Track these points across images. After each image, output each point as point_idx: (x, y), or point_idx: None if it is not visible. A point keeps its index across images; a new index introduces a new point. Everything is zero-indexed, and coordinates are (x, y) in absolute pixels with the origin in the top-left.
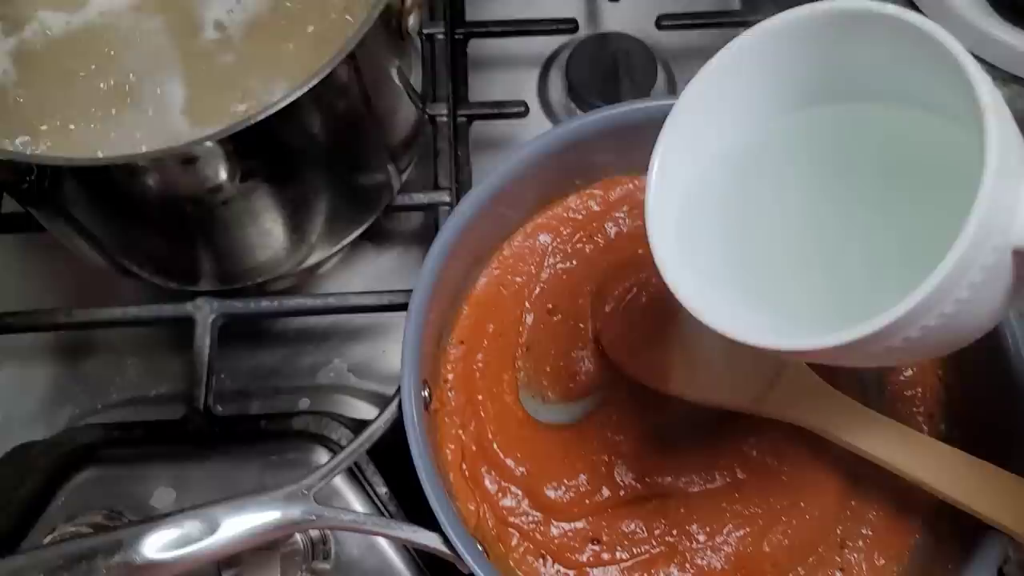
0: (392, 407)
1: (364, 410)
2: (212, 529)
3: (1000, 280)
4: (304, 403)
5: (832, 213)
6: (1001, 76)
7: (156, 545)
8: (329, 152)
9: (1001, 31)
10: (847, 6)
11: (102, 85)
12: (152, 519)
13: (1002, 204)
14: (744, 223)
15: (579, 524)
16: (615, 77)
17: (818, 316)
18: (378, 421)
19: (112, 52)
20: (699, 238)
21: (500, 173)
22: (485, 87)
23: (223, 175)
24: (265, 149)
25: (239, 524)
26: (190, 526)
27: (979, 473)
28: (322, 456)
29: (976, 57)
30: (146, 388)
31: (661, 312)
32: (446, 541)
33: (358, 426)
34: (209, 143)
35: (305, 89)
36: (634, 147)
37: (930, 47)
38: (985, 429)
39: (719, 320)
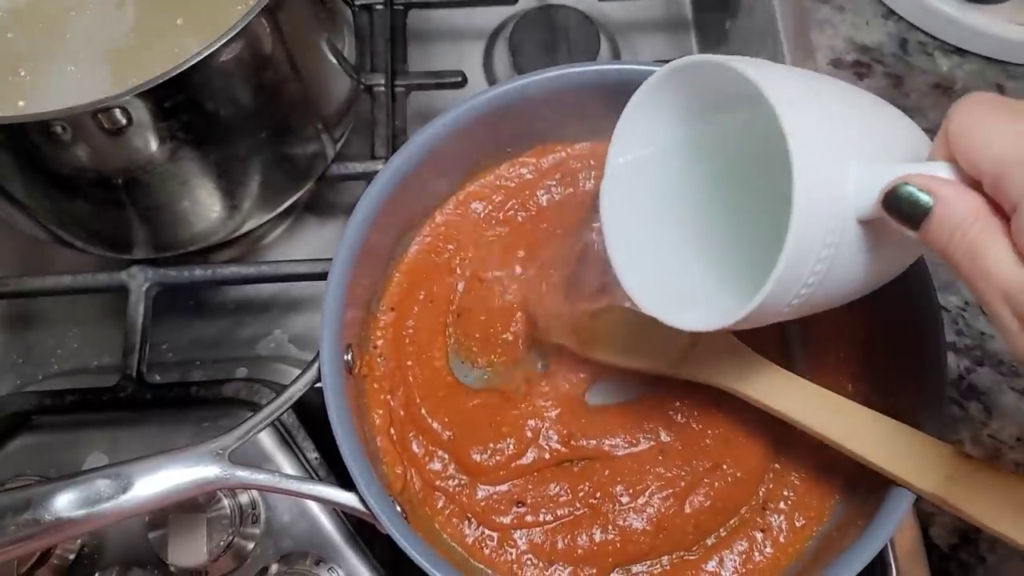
0: (312, 369)
1: None
2: (124, 488)
3: (854, 246)
4: (241, 372)
5: (730, 200)
6: (961, 53)
7: (66, 503)
8: (257, 116)
9: (960, 12)
10: (696, 60)
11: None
12: (62, 477)
13: (825, 187)
14: (662, 211)
15: (504, 487)
16: (559, 49)
17: (720, 292)
18: (298, 383)
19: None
20: (634, 228)
21: (427, 136)
22: (430, 60)
23: (148, 137)
24: (189, 109)
25: (153, 483)
26: (101, 484)
27: (886, 431)
28: None
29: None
30: (87, 359)
31: (585, 279)
32: (363, 501)
33: None
34: (128, 98)
35: (219, 44)
36: (568, 113)
37: (739, 75)
38: (903, 387)
39: (648, 300)
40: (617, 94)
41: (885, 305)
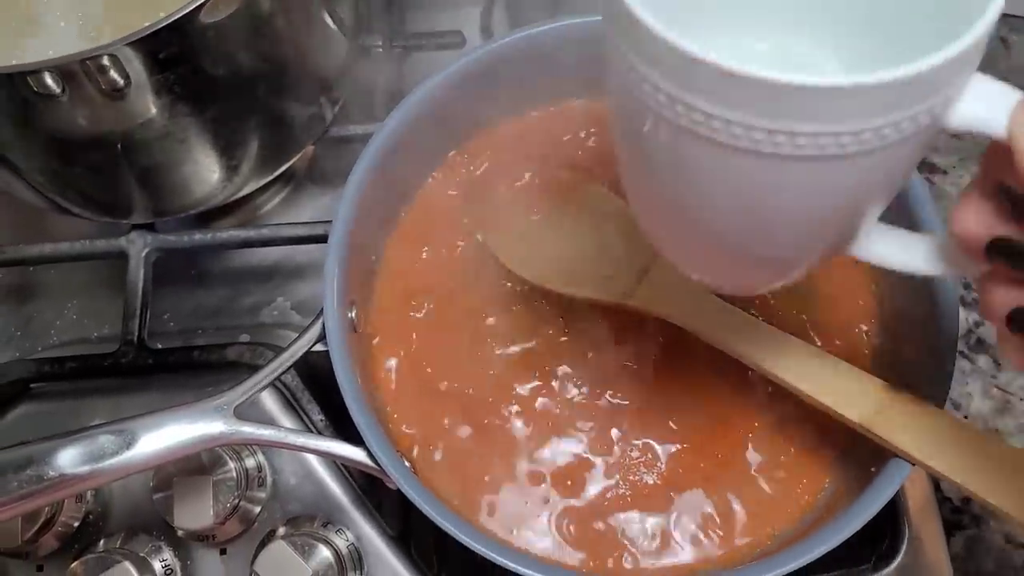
0: (316, 326)
1: None
2: (128, 444)
3: (915, 142)
4: (244, 338)
5: None
6: None
7: (69, 459)
8: (254, 76)
9: None
10: None
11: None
12: (65, 433)
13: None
14: None
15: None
16: (560, 9)
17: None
18: (302, 339)
19: None
20: None
21: (428, 89)
22: (428, 24)
23: (144, 95)
24: (183, 65)
25: (157, 439)
26: (105, 440)
27: (821, 363)
28: None
29: None
30: (87, 330)
31: (540, 207)
32: (371, 456)
33: None
34: (119, 47)
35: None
36: (569, 70)
37: None
38: (914, 345)
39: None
40: None
41: None
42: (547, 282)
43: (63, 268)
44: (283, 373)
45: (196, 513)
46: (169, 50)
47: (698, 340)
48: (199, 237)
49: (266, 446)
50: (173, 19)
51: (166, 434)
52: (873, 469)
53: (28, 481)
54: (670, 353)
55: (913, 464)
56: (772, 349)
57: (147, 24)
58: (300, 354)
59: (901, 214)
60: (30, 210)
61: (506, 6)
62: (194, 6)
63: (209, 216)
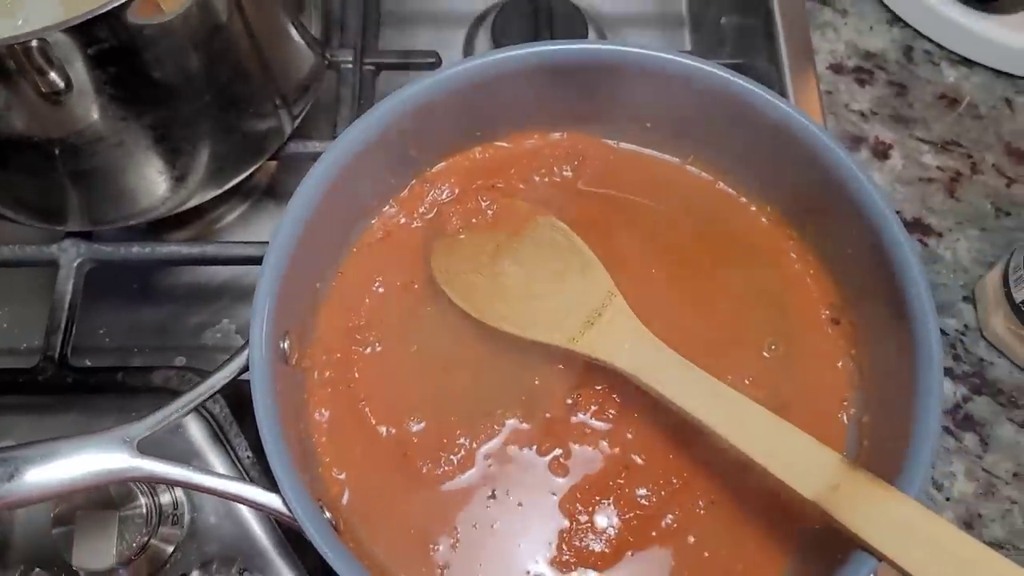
0: (242, 356)
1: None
2: (11, 475)
3: None
4: (180, 361)
5: None
6: (968, 64)
7: None
8: (204, 80)
9: (969, 20)
10: None
11: None
12: None
13: None
14: None
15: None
16: (543, 38)
17: None
18: (224, 370)
19: None
20: None
21: (386, 109)
22: (405, 43)
23: (79, 93)
24: (122, 62)
25: (45, 471)
26: None
27: (776, 429)
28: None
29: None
30: (16, 340)
31: (494, 240)
32: (286, 504)
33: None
34: (53, 35)
35: None
36: (545, 97)
37: None
38: (893, 409)
39: None
40: (603, 77)
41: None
42: (495, 321)
43: None
44: (199, 404)
45: (97, 551)
46: (101, 45)
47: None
48: (136, 250)
49: (172, 485)
50: (100, 12)
51: (57, 467)
52: (840, 557)
53: None
54: (631, 411)
55: (871, 554)
56: (726, 410)
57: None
58: (219, 386)
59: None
60: None
61: (490, 32)
62: (119, 2)
63: (161, 228)
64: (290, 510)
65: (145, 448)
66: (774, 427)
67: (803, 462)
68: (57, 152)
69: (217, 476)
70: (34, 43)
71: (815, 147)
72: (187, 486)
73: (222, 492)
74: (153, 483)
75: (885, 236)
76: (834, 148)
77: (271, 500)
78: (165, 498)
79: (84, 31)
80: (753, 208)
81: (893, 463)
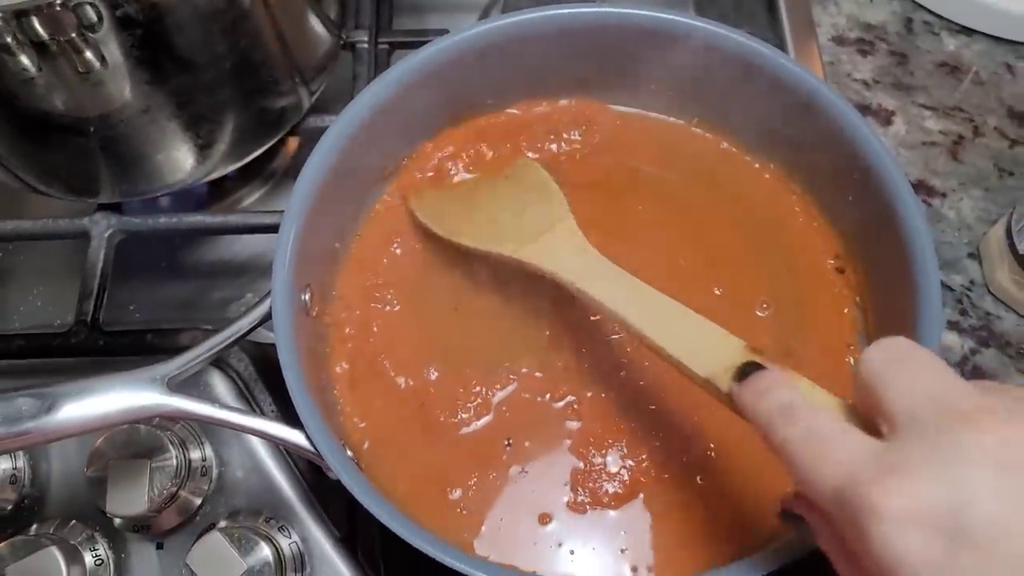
0: (265, 303)
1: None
2: (48, 408)
3: None
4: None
5: None
6: (968, 32)
7: None
8: (227, 55)
9: None
10: None
11: None
12: None
13: None
14: None
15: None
16: None
17: None
18: (249, 315)
19: None
20: None
21: (403, 70)
22: (418, 25)
23: (106, 57)
24: (146, 28)
25: (81, 407)
26: (23, 403)
27: (702, 332)
28: (212, 372)
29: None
30: (50, 317)
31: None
32: (309, 440)
33: (251, 345)
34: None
35: None
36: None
37: None
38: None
39: None
40: (610, 41)
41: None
42: (455, 237)
43: (32, 254)
44: (226, 348)
45: (129, 499)
46: (131, 7)
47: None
48: (164, 220)
49: (198, 420)
50: None
51: (92, 402)
52: None
53: None
54: (642, 359)
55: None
56: (639, 304)
57: None
58: (245, 330)
59: (890, 227)
60: (3, 191)
61: (503, 10)
62: None
63: (185, 210)
64: (313, 444)
65: (177, 390)
66: (684, 319)
67: (706, 348)
68: (87, 121)
69: (242, 413)
70: (59, 3)
71: (817, 100)
72: (213, 422)
73: (247, 427)
74: (181, 419)
75: (885, 181)
76: (835, 99)
77: (294, 435)
78: (195, 453)
79: None
80: (757, 165)
81: None
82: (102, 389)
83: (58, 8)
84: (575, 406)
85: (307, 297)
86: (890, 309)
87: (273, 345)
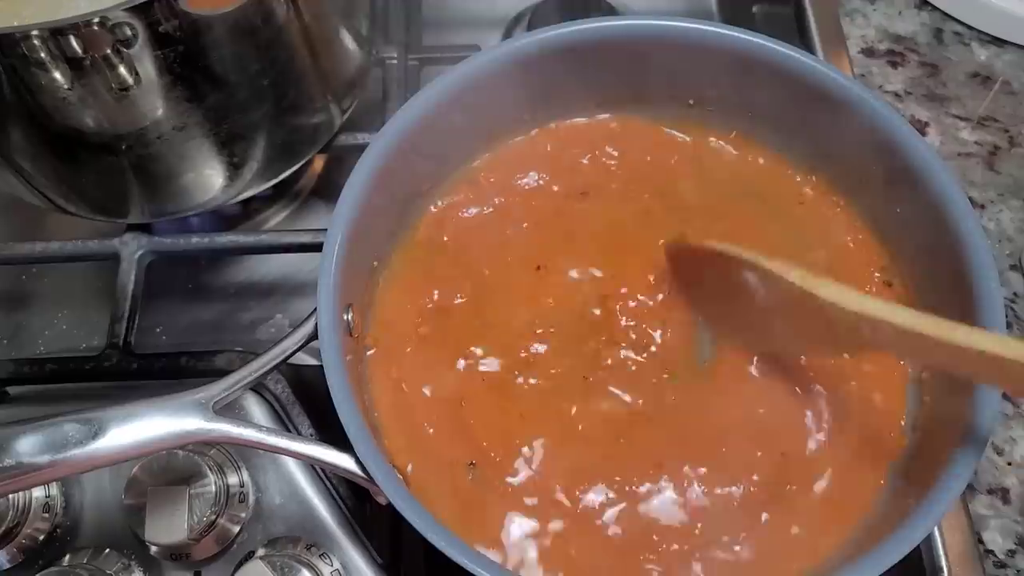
0: (309, 324)
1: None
2: (95, 434)
3: None
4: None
5: None
6: (999, 43)
7: (28, 446)
8: (261, 74)
9: None
10: None
11: None
12: (29, 420)
13: None
14: None
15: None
16: None
17: None
18: (293, 336)
19: None
20: None
21: (446, 84)
22: (446, 40)
23: (142, 73)
24: (184, 45)
25: (127, 432)
26: (70, 429)
27: None
28: (248, 396)
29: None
30: (76, 341)
31: None
32: (359, 463)
33: (287, 368)
34: (116, 13)
35: None
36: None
37: None
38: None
39: None
40: (644, 55)
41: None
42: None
43: (56, 277)
44: (271, 370)
45: (169, 526)
46: (167, 24)
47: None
48: (196, 241)
49: (244, 445)
50: None
51: (138, 427)
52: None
53: None
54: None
55: None
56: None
57: None
58: (290, 351)
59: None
60: (29, 212)
61: (528, 28)
62: None
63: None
64: (363, 468)
65: (220, 414)
66: None
67: None
68: (119, 138)
69: (289, 438)
70: (96, 22)
71: (865, 111)
72: (261, 446)
73: (295, 452)
74: (228, 444)
75: (940, 195)
76: (886, 111)
77: (343, 460)
78: (232, 479)
79: (145, 12)
80: (798, 179)
81: (955, 420)
82: (147, 414)
83: (95, 27)
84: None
85: (349, 317)
86: None
87: (310, 367)
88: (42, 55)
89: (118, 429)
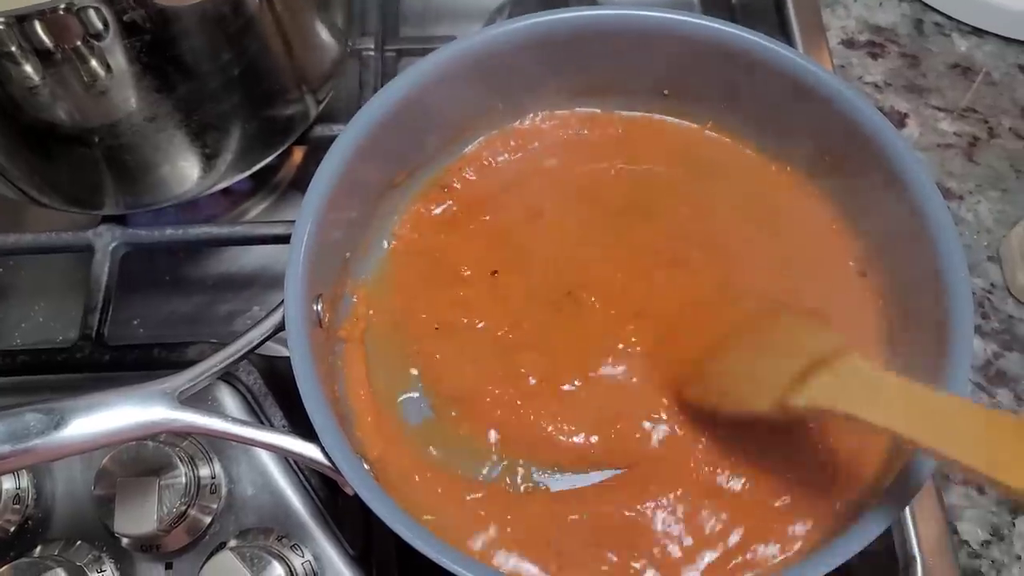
0: (277, 313)
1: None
2: (57, 424)
3: None
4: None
5: None
6: (979, 33)
7: None
8: (233, 63)
9: None
10: None
11: None
12: None
13: None
14: None
15: None
16: None
17: None
18: (260, 326)
19: None
20: None
21: (417, 74)
22: (424, 33)
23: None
24: (152, 34)
25: (90, 422)
26: (31, 419)
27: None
28: (220, 387)
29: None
30: (52, 333)
31: None
32: (324, 453)
33: (259, 359)
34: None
35: None
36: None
37: None
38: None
39: None
40: (618, 45)
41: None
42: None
43: (34, 269)
44: (238, 360)
45: (138, 518)
46: (134, 13)
47: None
48: (170, 232)
49: (210, 436)
50: None
51: (101, 417)
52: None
53: None
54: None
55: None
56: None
57: None
58: (256, 342)
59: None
60: (5, 204)
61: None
62: None
63: (191, 223)
64: (329, 458)
65: (185, 405)
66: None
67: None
68: (92, 131)
69: (255, 427)
70: (62, 7)
71: (839, 102)
72: (226, 436)
73: (261, 442)
74: (192, 434)
75: (911, 185)
76: (859, 102)
77: (309, 450)
78: (204, 470)
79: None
80: (773, 168)
81: None
82: (111, 404)
83: (61, 13)
84: None
85: (319, 308)
86: (916, 313)
87: (283, 358)
88: (9, 46)
89: (81, 419)
